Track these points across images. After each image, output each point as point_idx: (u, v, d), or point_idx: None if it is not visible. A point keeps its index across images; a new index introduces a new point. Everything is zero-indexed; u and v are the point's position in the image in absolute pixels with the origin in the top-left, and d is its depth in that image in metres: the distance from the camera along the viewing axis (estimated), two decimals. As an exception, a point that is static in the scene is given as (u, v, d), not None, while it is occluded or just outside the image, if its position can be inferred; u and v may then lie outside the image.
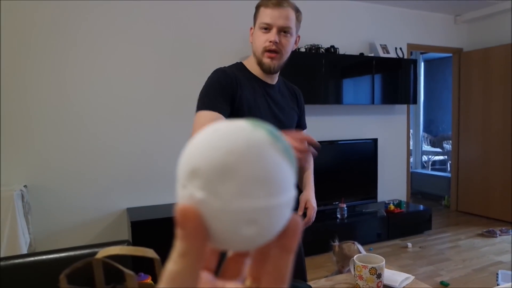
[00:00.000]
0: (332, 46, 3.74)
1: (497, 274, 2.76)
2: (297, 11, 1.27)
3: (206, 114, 1.15)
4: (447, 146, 6.31)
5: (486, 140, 4.48)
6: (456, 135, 4.87)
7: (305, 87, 3.04)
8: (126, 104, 3.09)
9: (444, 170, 6.20)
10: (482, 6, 4.40)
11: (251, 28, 1.32)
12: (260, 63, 1.27)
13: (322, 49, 3.69)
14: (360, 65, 3.87)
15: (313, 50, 3.64)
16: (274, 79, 1.34)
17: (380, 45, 4.09)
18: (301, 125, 1.47)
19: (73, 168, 2.95)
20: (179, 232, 0.21)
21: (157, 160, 3.21)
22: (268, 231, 0.22)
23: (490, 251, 3.45)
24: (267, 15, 1.22)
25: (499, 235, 3.82)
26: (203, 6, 3.31)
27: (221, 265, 0.26)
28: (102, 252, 0.60)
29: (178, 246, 0.21)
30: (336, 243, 2.23)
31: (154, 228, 2.75)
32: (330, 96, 3.76)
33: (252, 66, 1.31)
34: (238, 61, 1.37)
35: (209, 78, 1.24)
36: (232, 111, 1.20)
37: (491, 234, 3.85)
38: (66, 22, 2.87)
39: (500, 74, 4.31)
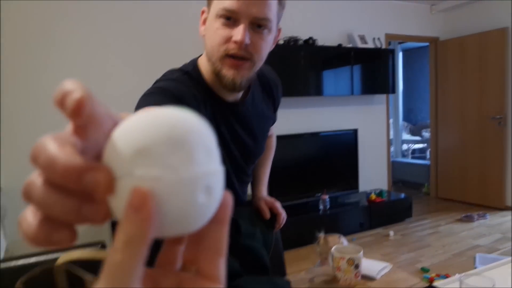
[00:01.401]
0: (311, 38, 3.74)
1: (474, 257, 2.85)
2: None
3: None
4: (426, 134, 6.43)
5: (463, 127, 4.58)
6: (434, 124, 4.97)
7: (285, 79, 3.00)
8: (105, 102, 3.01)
9: (424, 158, 6.32)
10: (456, -5, 4.47)
11: (203, 11, 0.86)
12: (217, 74, 0.82)
13: (300, 41, 3.68)
14: (339, 56, 3.88)
15: (292, 42, 3.63)
16: (240, 92, 0.91)
17: (358, 35, 4.11)
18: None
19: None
20: (130, 217, 0.20)
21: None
22: (216, 200, 0.23)
23: (468, 235, 3.54)
24: None
25: (477, 220, 3.93)
26: (191, 4, 3.25)
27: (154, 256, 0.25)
28: (63, 257, 0.57)
29: (123, 232, 0.20)
30: (322, 235, 2.24)
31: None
32: (310, 87, 3.76)
33: (208, 72, 0.87)
34: (194, 59, 0.93)
35: (156, 89, 0.81)
36: None
37: (469, 219, 3.95)
38: (38, 23, 2.77)
39: (476, 62, 4.39)
